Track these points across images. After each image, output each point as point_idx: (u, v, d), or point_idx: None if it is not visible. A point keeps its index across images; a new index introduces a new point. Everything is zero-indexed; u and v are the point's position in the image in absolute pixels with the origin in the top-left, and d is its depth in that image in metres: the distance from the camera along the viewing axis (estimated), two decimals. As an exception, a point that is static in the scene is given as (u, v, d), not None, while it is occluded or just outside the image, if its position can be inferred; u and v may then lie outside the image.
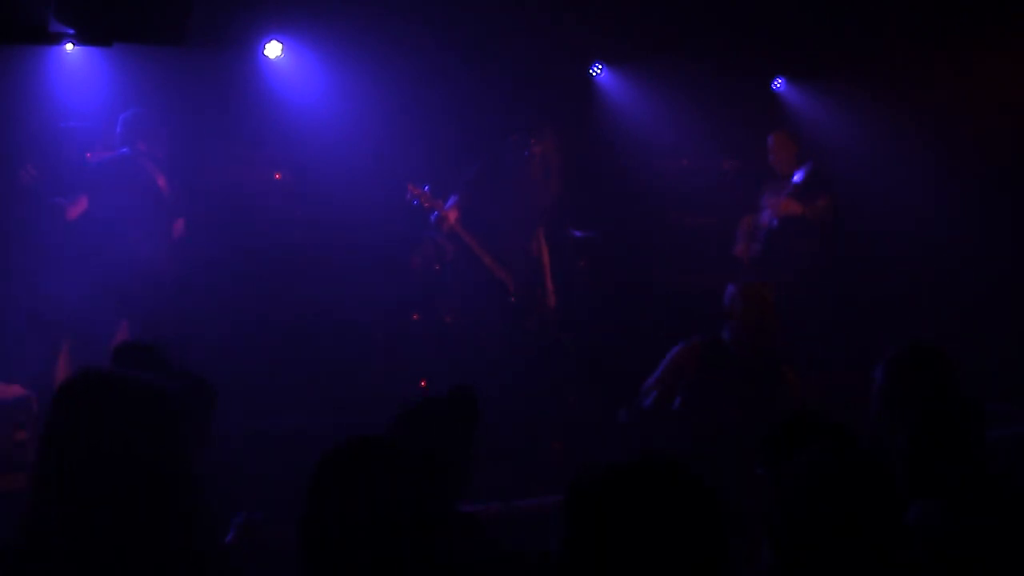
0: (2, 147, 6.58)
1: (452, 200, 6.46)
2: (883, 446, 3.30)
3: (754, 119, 8.30)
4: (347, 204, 7.40)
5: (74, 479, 2.16)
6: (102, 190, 6.47)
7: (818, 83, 8.50)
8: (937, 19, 7.79)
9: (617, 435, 5.67)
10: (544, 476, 6.18)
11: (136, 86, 6.70)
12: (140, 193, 6.53)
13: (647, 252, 8.21)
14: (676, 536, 1.74)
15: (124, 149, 6.53)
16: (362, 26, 7.15)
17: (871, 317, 7.69)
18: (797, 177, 7.20)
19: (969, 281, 7.92)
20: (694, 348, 5.15)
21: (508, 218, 6.54)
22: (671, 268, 8.17)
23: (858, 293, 7.80)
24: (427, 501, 1.99)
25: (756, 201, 7.53)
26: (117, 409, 2.22)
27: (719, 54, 8.00)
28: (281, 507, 2.73)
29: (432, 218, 6.65)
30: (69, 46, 6.49)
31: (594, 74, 8.33)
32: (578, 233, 7.49)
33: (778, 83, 8.68)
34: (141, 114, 6.61)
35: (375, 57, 7.40)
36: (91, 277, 6.37)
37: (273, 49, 7.23)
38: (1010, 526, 2.76)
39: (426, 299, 7.18)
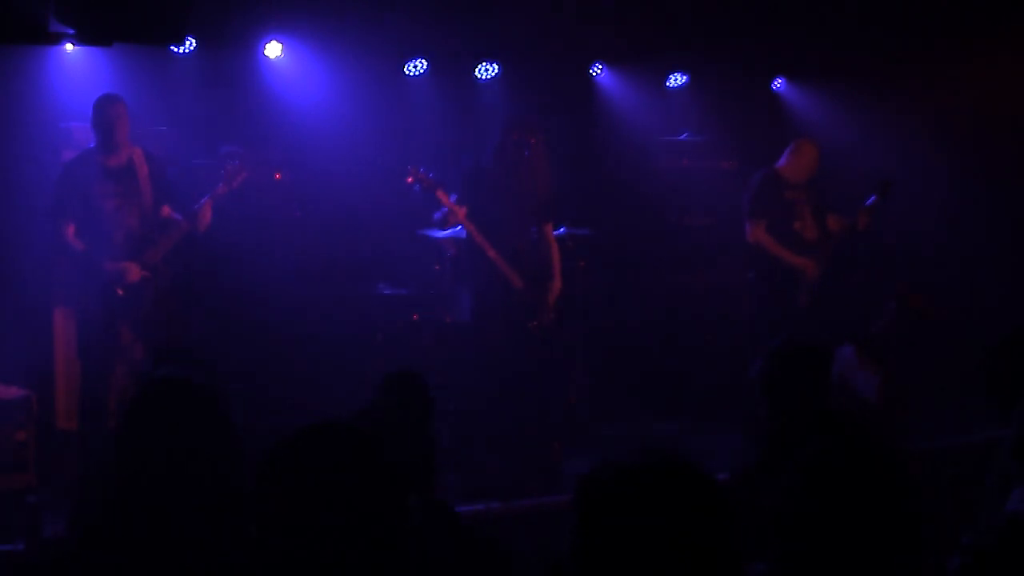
0: (2, 147, 6.58)
1: (454, 196, 6.42)
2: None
3: (754, 119, 8.30)
4: (347, 204, 7.40)
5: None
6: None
7: (818, 83, 8.50)
8: (938, 18, 7.79)
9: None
10: (544, 476, 6.19)
11: (136, 86, 6.69)
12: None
13: (646, 251, 8.21)
14: (684, 534, 1.74)
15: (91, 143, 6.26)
16: (362, 26, 7.15)
17: (870, 316, 7.69)
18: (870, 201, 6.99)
19: (970, 280, 7.92)
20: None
21: (512, 215, 6.49)
22: (670, 268, 8.17)
23: (858, 292, 7.80)
24: (384, 490, 1.95)
25: (769, 203, 7.16)
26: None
27: (719, 54, 8.00)
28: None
29: (439, 215, 6.62)
30: (69, 46, 6.48)
31: (594, 74, 8.33)
32: (577, 232, 7.47)
33: (778, 83, 8.68)
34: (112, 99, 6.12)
35: (375, 57, 7.40)
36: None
37: (273, 49, 7.24)
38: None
39: (426, 299, 7.18)
